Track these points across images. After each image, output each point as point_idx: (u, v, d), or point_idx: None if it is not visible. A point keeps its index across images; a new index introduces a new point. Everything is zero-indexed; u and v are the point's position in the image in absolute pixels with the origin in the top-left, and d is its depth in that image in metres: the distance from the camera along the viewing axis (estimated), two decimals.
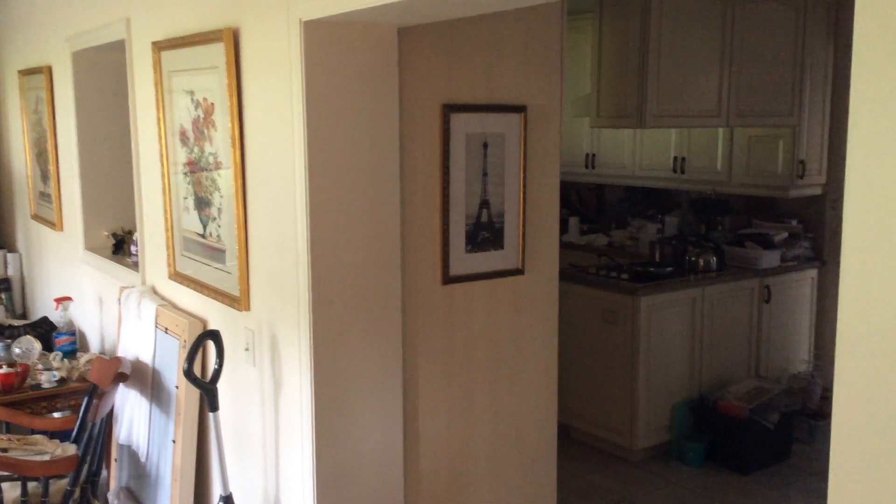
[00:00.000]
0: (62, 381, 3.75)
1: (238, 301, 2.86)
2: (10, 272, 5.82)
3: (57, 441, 3.32)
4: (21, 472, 3.05)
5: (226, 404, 2.97)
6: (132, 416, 3.52)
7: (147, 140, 3.55)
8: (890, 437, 1.14)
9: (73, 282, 4.73)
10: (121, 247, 4.28)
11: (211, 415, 2.75)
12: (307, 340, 2.52)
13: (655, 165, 5.76)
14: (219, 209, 2.97)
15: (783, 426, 4.65)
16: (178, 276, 3.33)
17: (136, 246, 3.86)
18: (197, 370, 2.93)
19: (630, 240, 5.89)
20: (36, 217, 5.30)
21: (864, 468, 1.17)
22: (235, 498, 2.90)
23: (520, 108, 2.87)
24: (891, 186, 1.11)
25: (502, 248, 2.90)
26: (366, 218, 2.56)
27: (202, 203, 3.09)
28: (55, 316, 4.46)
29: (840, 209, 1.16)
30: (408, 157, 2.67)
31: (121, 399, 3.58)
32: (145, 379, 3.44)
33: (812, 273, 5.37)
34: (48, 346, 4.19)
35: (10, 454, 3.16)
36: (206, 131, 2.98)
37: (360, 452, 2.64)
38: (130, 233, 4.22)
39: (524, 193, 2.92)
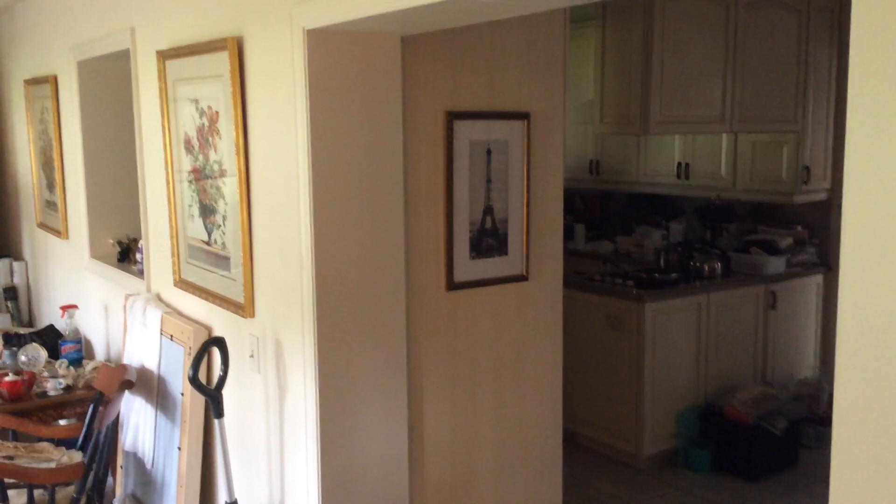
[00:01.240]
0: (68, 388, 3.75)
1: (243, 308, 2.87)
2: (16, 280, 5.84)
3: (63, 448, 3.33)
4: (27, 480, 3.06)
5: (231, 411, 2.98)
6: (138, 423, 3.53)
7: (152, 148, 3.56)
8: (891, 441, 1.13)
9: (78, 290, 4.75)
10: (126, 255, 4.30)
11: (216, 421, 2.76)
12: (312, 347, 2.53)
13: (660, 172, 5.76)
14: (223, 217, 2.98)
15: (790, 432, 4.64)
16: (183, 284, 3.34)
17: (142, 254, 3.87)
18: (202, 377, 2.93)
19: (635, 246, 5.89)
20: (42, 225, 5.32)
21: (865, 473, 1.17)
22: None
23: (523, 115, 2.87)
24: (889, 192, 1.11)
25: (506, 254, 2.91)
26: (370, 225, 2.56)
27: (207, 211, 3.10)
28: (61, 324, 4.47)
29: None
30: (411, 164, 2.67)
31: (126, 406, 3.59)
32: (151, 386, 3.44)
33: (818, 278, 5.36)
34: (54, 354, 4.19)
35: (17, 462, 3.16)
36: (210, 139, 2.99)
37: (364, 458, 2.64)
38: (136, 241, 4.24)
39: (528, 200, 2.92)
